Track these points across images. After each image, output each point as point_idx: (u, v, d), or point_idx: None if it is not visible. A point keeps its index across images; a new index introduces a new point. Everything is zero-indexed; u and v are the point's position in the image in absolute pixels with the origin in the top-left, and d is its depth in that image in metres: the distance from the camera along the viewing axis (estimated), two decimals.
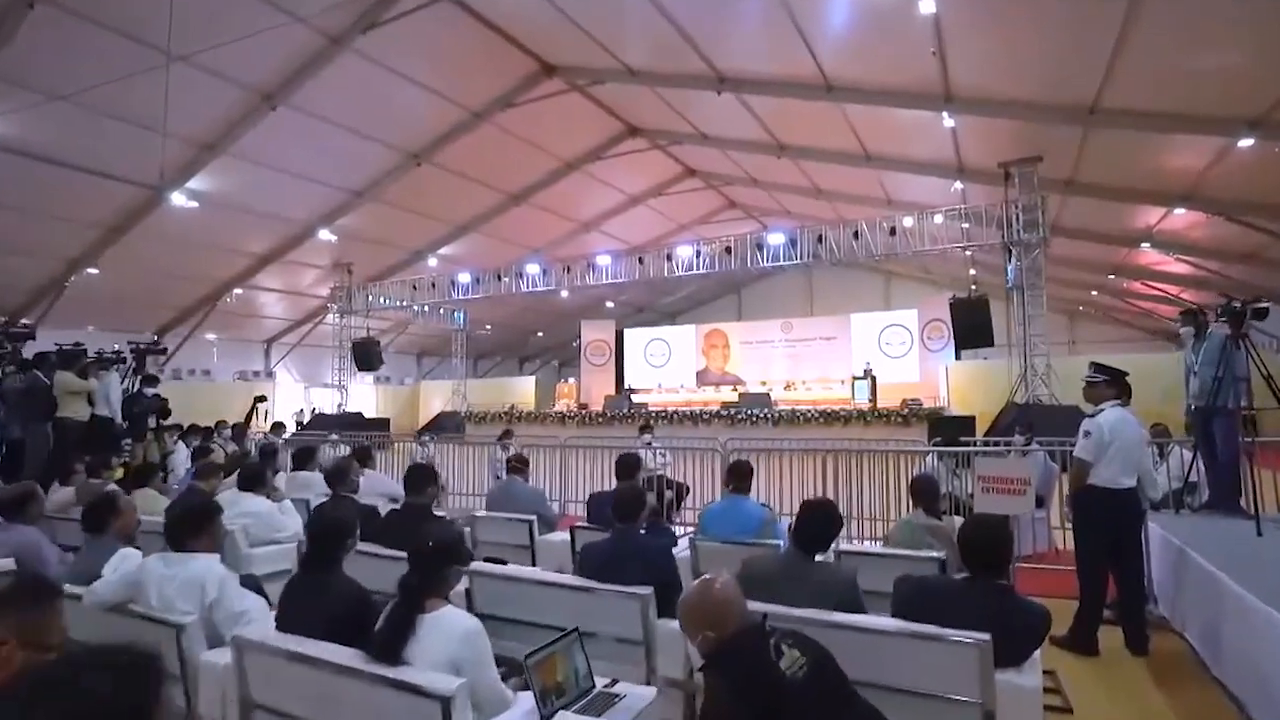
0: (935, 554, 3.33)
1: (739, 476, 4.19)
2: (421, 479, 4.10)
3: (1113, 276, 18.90)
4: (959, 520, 3.91)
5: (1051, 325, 14.07)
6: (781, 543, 3.66)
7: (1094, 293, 21.88)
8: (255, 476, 4.77)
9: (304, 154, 15.01)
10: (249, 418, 9.47)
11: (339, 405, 22.83)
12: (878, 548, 3.59)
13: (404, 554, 2.43)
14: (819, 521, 2.93)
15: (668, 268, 16.37)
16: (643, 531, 3.53)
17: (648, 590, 2.80)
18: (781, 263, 15.32)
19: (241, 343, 24.26)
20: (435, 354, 30.34)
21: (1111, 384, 4.14)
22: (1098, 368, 4.19)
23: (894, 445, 7.32)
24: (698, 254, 16.11)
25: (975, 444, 8.22)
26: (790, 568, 2.84)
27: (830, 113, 12.82)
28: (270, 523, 4.50)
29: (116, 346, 7.55)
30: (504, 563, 3.65)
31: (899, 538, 3.75)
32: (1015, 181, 12.80)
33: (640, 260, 16.71)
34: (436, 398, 25.97)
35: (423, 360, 31.83)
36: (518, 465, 5.33)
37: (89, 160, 13.51)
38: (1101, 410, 4.08)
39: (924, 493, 3.95)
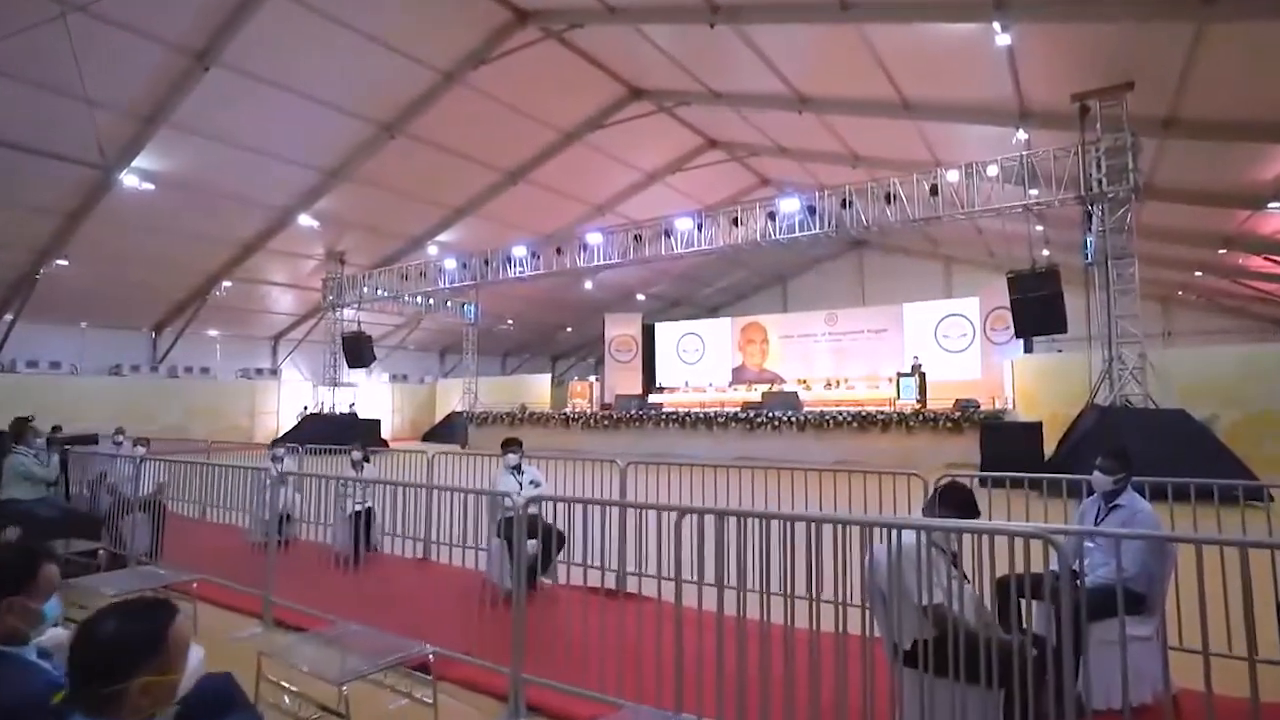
0: None
1: None
2: None
3: (1224, 251, 15.43)
4: None
5: (1142, 314, 10.93)
6: None
7: (1197, 273, 18.28)
8: None
9: (258, 125, 13.45)
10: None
11: (350, 405, 21.76)
12: None
13: None
14: None
15: (666, 245, 13.94)
16: None
17: None
18: (798, 234, 12.72)
19: (247, 339, 23.24)
20: (458, 351, 28.85)
21: None
22: None
23: (822, 512, 4.01)
24: (699, 227, 13.64)
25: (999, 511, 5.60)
26: None
27: (853, 44, 10.32)
28: None
29: None
30: None
31: None
32: (1096, 120, 9.92)
33: (637, 237, 14.36)
34: (454, 397, 24.40)
35: (446, 357, 30.41)
36: None
37: (25, 138, 12.32)
38: None
39: None
